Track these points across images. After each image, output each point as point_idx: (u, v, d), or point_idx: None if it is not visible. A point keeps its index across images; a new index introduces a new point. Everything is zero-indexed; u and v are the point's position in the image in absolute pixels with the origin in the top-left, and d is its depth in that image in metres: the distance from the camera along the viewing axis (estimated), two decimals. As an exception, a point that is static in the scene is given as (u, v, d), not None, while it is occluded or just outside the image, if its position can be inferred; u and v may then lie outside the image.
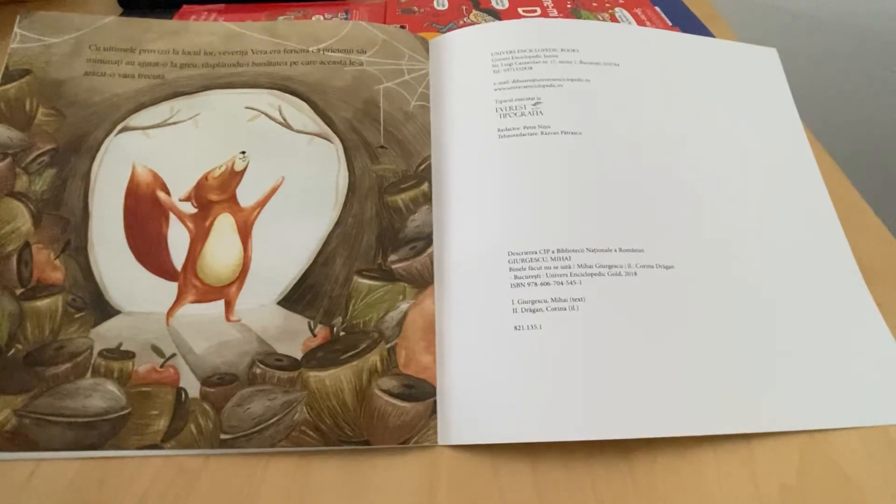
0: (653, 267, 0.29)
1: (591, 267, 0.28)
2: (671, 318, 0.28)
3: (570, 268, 0.28)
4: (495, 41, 0.37)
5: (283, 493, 0.23)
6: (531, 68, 0.35)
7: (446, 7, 0.46)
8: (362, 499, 0.23)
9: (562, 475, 0.24)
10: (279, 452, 0.25)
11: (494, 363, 0.26)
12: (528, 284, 0.28)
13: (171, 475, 0.24)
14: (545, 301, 0.27)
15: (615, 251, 0.29)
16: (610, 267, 0.28)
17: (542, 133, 0.32)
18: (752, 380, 0.26)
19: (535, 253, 0.29)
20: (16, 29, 0.33)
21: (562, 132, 0.32)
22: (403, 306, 0.28)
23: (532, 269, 0.28)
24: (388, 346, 0.27)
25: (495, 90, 0.34)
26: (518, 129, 0.33)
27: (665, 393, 0.25)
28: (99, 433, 0.24)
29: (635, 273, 0.29)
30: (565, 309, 0.27)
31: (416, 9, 0.45)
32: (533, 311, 0.27)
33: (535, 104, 0.34)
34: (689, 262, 0.29)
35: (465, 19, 0.45)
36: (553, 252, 0.29)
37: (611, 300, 0.28)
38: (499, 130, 0.33)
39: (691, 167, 0.33)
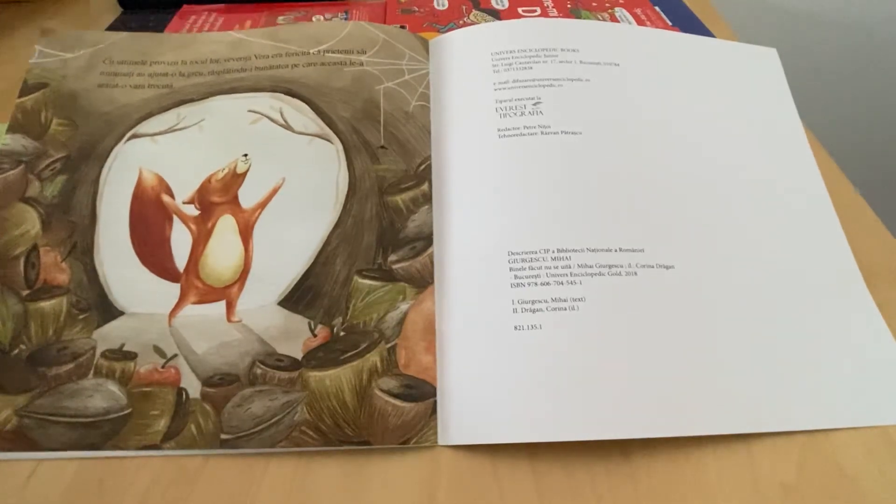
0: (653, 267, 0.29)
1: (591, 267, 0.28)
2: (671, 318, 0.28)
3: (570, 268, 0.28)
4: (495, 41, 0.37)
5: (283, 494, 0.23)
6: (531, 68, 0.35)
7: (446, 7, 0.47)
8: (362, 499, 0.23)
9: (562, 475, 0.24)
10: (279, 453, 0.25)
11: (494, 363, 0.26)
12: (529, 284, 0.28)
13: (171, 475, 0.24)
14: (545, 301, 0.27)
15: (615, 251, 0.29)
16: (610, 267, 0.28)
17: (542, 133, 0.32)
18: (752, 380, 0.26)
19: (535, 253, 0.29)
20: (36, 46, 0.35)
21: (562, 132, 0.32)
22: (403, 306, 0.28)
23: (532, 268, 0.28)
24: (389, 346, 0.27)
25: (495, 90, 0.34)
26: (518, 128, 0.33)
27: (665, 393, 0.25)
28: (99, 433, 0.25)
29: (635, 273, 0.28)
30: (565, 309, 0.27)
31: (416, 9, 0.45)
32: (533, 311, 0.27)
33: (535, 104, 0.34)
34: (689, 263, 0.29)
35: (465, 19, 0.45)
36: (553, 252, 0.29)
37: (611, 300, 0.28)
38: (499, 130, 0.33)
39: (691, 167, 0.33)
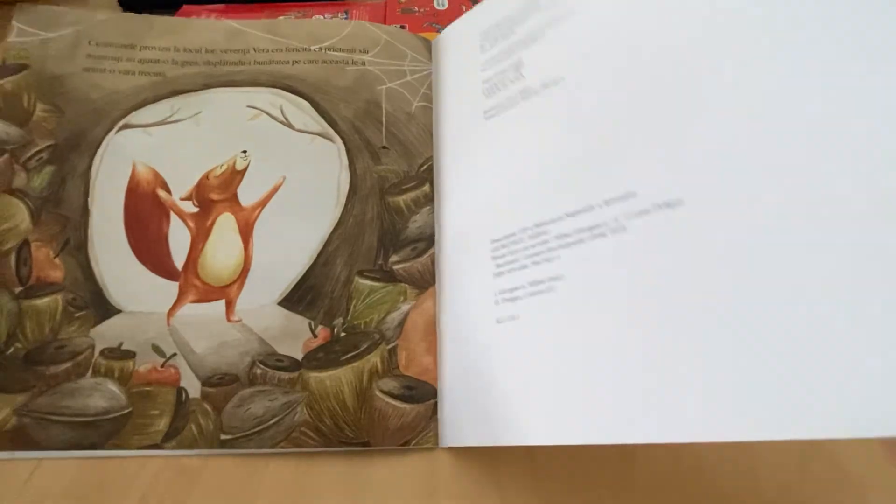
0: (649, 211, 0.22)
1: (569, 236, 0.24)
2: (676, 283, 0.20)
3: (547, 242, 0.24)
4: (482, 19, 0.34)
5: (283, 494, 0.23)
6: (514, 32, 0.31)
7: (446, 7, 0.46)
8: (362, 500, 0.23)
9: (562, 476, 0.24)
10: (279, 453, 0.25)
11: (481, 362, 0.25)
12: (509, 271, 0.25)
13: (171, 476, 0.24)
14: (523, 287, 0.24)
15: (598, 207, 0.23)
16: (591, 229, 0.23)
17: (522, 99, 0.29)
18: (787, 371, 0.18)
19: (514, 235, 0.26)
20: (13, 22, 0.33)
21: (542, 85, 0.28)
22: (404, 307, 0.28)
23: (511, 253, 0.26)
24: (389, 346, 0.27)
25: (482, 70, 0.32)
26: (501, 104, 0.30)
27: (659, 390, 0.20)
28: (100, 433, 0.24)
29: (624, 228, 0.22)
30: (542, 292, 0.24)
31: (416, 9, 0.45)
32: (512, 300, 0.25)
33: (516, 69, 0.30)
34: (707, 192, 0.20)
35: (463, 19, 0.45)
36: (530, 229, 0.25)
37: (593, 272, 0.22)
38: (485, 112, 0.31)
39: (701, 78, 0.23)
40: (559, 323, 0.23)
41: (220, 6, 0.36)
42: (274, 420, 0.25)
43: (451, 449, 0.25)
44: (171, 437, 0.25)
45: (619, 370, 0.21)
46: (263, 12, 0.43)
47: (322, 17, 0.44)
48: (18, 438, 0.24)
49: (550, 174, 0.26)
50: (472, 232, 0.28)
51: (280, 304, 0.28)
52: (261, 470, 0.24)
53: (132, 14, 0.35)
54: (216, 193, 0.30)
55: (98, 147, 0.30)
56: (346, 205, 0.30)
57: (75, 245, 0.28)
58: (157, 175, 0.30)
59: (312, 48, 0.34)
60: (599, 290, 0.22)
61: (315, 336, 0.27)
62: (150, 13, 0.38)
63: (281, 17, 0.44)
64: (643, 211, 0.22)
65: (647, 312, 0.21)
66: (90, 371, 0.26)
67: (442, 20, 0.44)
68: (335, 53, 0.34)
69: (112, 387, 0.25)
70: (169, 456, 0.24)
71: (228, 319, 0.27)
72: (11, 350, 0.26)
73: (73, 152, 0.30)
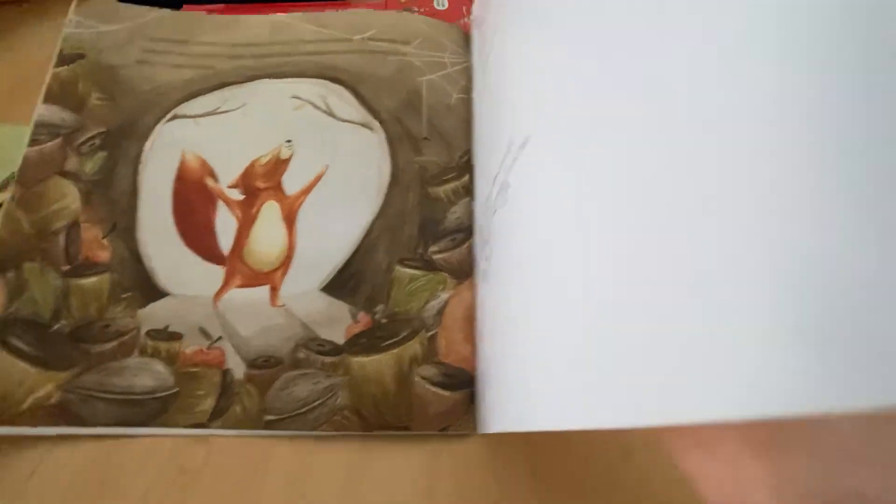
0: (517, 159, 0.18)
1: (494, 212, 0.22)
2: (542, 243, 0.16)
3: (489, 221, 0.23)
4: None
5: (285, 487, 0.24)
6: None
7: (446, 7, 0.46)
8: (361, 489, 0.24)
9: (561, 474, 0.24)
10: (277, 444, 0.25)
11: (485, 349, 0.25)
12: (486, 258, 0.24)
13: (172, 475, 0.24)
14: (486, 270, 0.24)
15: (503, 172, 0.20)
16: (498, 195, 0.21)
17: (487, 63, 0.27)
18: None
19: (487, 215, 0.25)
20: (70, 15, 0.34)
21: (490, 49, 0.26)
22: (444, 296, 0.28)
23: (485, 234, 0.24)
24: (429, 334, 0.27)
25: (479, 49, 0.31)
26: (482, 79, 0.29)
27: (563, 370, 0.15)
28: (147, 411, 0.25)
29: (509, 185, 0.19)
30: (487, 272, 0.23)
31: (416, 9, 0.45)
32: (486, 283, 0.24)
33: (493, 34, 0.28)
34: (545, 125, 0.17)
35: (465, 20, 0.45)
36: (485, 206, 0.24)
37: (503, 243, 0.20)
38: (478, 94, 0.30)
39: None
40: (495, 307, 0.21)
41: (220, 6, 0.36)
42: (317, 402, 0.25)
43: (451, 438, 0.25)
44: (217, 416, 0.25)
45: (531, 352, 0.17)
46: (264, 13, 0.43)
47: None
48: (62, 414, 0.25)
49: (485, 139, 0.25)
50: (479, 219, 0.28)
51: (322, 290, 0.28)
52: (265, 464, 0.24)
53: (185, 12, 0.36)
54: (261, 182, 0.30)
55: (148, 135, 0.31)
56: (387, 194, 0.30)
57: (123, 228, 0.29)
58: (204, 163, 0.31)
59: (355, 38, 0.35)
60: (504, 263, 0.19)
61: (356, 322, 0.27)
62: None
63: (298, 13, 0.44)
64: (514, 161, 0.19)
65: (529, 280, 0.17)
66: (136, 351, 0.26)
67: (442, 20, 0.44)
68: (377, 43, 0.35)
69: (159, 367, 0.26)
70: (169, 456, 0.24)
71: (273, 304, 0.28)
72: (57, 326, 0.26)
73: (124, 139, 0.31)
